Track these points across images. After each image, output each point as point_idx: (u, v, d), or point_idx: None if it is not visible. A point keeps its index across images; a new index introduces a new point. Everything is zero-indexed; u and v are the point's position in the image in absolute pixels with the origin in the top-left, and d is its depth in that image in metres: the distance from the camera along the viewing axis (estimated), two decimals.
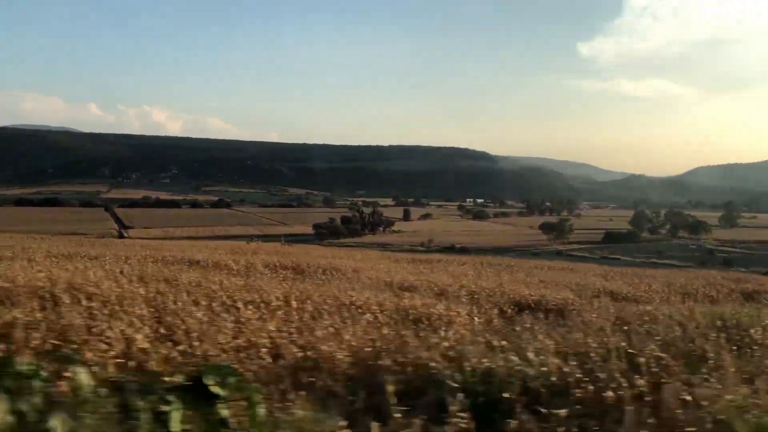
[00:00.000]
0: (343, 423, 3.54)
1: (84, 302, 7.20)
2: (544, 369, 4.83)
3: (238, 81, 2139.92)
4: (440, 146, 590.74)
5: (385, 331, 6.74)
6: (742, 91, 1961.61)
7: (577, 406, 4.17)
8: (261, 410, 3.31)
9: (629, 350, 5.52)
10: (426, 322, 8.54)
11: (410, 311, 9.37)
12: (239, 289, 10.07)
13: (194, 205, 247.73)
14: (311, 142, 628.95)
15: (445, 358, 5.30)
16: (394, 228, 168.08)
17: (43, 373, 3.28)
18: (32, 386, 3.12)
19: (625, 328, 7.36)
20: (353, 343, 5.82)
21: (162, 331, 6.02)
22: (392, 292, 13.38)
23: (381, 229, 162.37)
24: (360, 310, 8.90)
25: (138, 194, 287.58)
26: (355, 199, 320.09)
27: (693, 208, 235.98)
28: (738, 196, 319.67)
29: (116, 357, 4.74)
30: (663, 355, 5.27)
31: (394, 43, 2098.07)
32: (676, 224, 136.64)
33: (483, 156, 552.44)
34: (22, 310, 6.34)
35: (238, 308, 7.61)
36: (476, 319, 9.13)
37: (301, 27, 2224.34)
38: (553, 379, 4.70)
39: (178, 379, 3.38)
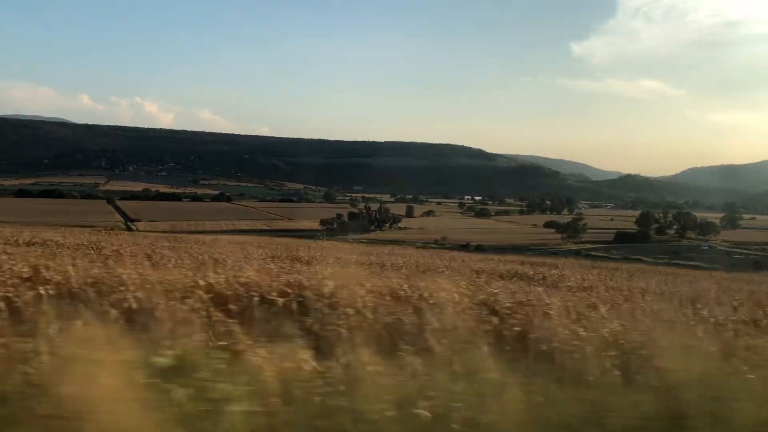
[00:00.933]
0: None
1: None
2: None
3: (230, 74, 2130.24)
4: (436, 143, 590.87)
5: None
6: (735, 93, 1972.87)
7: None
8: None
9: None
10: None
11: None
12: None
13: (195, 198, 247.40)
14: (306, 137, 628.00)
15: None
16: (400, 225, 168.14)
17: None
18: None
19: None
20: None
21: None
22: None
23: (387, 225, 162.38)
24: None
25: (136, 186, 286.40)
26: (353, 195, 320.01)
27: (690, 209, 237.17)
28: (733, 197, 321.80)
29: None
30: None
31: (386, 39, 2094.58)
32: (685, 225, 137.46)
33: (479, 153, 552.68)
34: None
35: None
36: None
37: (293, 21, 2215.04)
38: None
39: None
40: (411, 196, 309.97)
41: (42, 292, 6.80)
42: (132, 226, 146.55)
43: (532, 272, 27.33)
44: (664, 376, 4.86)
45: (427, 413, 3.83)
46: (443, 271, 21.65)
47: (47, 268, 8.11)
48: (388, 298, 7.91)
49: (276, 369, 4.08)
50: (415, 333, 6.29)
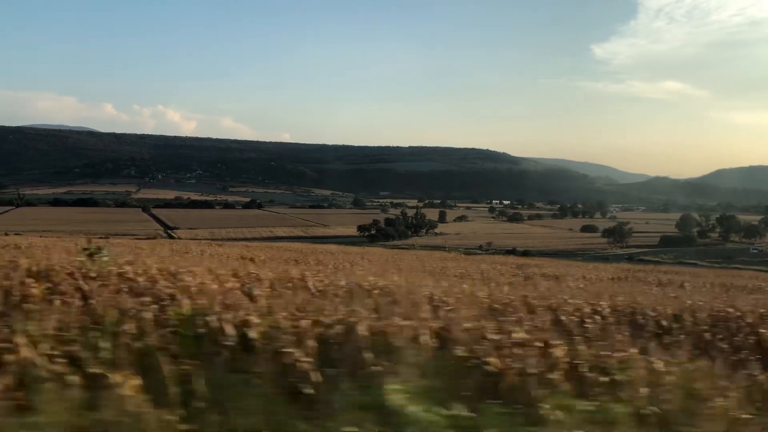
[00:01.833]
0: None
1: None
2: None
3: (251, 82, 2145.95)
4: (459, 147, 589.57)
5: None
6: (760, 92, 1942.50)
7: None
8: None
9: None
10: None
11: None
12: None
13: (226, 205, 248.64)
14: (330, 143, 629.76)
15: None
16: (436, 230, 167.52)
17: None
18: None
19: None
20: None
21: None
22: None
23: (423, 231, 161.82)
24: None
25: (166, 194, 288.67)
26: (381, 201, 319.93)
27: (723, 211, 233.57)
28: (765, 198, 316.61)
29: None
30: None
31: (406, 44, 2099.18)
32: (728, 228, 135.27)
33: (504, 157, 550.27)
34: None
35: None
36: None
37: (313, 29, 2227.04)
38: None
39: None
40: (438, 201, 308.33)
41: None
42: (173, 235, 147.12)
43: (651, 278, 26.95)
44: None
45: None
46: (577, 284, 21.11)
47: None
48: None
49: None
50: None
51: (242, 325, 3.85)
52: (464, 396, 3.40)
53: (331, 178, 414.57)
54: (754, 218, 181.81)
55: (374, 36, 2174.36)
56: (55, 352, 3.30)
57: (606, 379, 3.76)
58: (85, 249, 6.20)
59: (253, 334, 3.78)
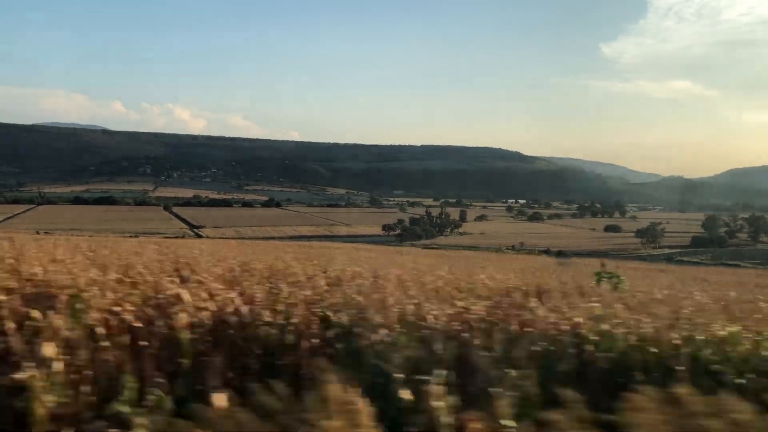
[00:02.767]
0: None
1: None
2: None
3: (260, 80, 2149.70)
4: (472, 146, 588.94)
5: None
6: None
7: None
8: None
9: None
10: None
11: None
12: None
13: (245, 204, 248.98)
14: (341, 142, 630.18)
15: None
16: (460, 230, 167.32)
17: None
18: None
19: None
20: None
21: None
22: None
23: (448, 230, 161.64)
24: None
25: (184, 193, 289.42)
26: (397, 199, 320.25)
27: (741, 211, 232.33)
28: None
29: None
30: None
31: (416, 43, 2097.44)
32: (758, 228, 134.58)
33: (516, 156, 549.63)
34: None
35: None
36: None
37: (321, 26, 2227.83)
38: None
39: None
40: (454, 200, 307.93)
41: None
42: (200, 234, 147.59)
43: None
44: None
45: None
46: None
47: None
48: None
49: None
50: None
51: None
52: None
53: (345, 177, 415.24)
54: None
55: (384, 35, 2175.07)
56: None
57: None
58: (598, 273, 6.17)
59: None
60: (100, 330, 3.12)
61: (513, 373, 2.94)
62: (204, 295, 3.79)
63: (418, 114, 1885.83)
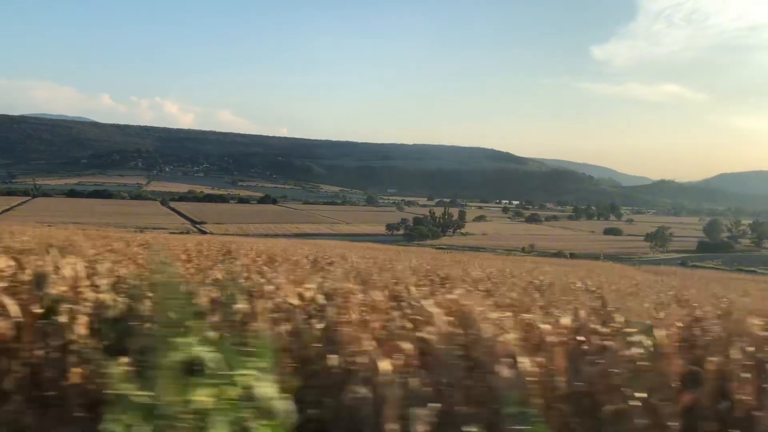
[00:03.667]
0: None
1: None
2: None
3: (250, 75, 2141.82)
4: (465, 146, 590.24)
5: None
6: (758, 97, 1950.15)
7: None
8: None
9: None
10: None
11: None
12: None
13: (241, 200, 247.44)
14: (333, 139, 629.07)
15: None
16: (462, 230, 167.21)
17: None
18: None
19: None
20: None
21: None
22: None
23: (451, 231, 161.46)
24: None
25: (178, 187, 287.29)
26: (392, 198, 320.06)
27: (734, 215, 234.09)
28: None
29: None
30: None
31: (405, 42, 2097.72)
32: (762, 234, 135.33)
33: (508, 157, 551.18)
34: None
35: None
36: None
37: (312, 23, 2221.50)
38: None
39: None
40: (448, 200, 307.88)
41: None
42: (204, 230, 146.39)
43: None
44: None
45: None
46: None
47: None
48: None
49: None
50: None
51: None
52: None
53: (339, 175, 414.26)
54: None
55: (376, 34, 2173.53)
56: None
57: None
58: None
59: None
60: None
61: None
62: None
63: (410, 113, 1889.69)
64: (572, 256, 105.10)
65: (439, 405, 2.55)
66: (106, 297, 3.54)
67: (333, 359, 2.96)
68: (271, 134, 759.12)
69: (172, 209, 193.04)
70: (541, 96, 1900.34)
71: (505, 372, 2.73)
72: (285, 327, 3.26)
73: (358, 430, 2.66)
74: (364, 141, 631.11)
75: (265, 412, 1.76)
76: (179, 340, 1.90)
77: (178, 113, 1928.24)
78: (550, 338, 3.09)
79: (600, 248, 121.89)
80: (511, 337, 2.96)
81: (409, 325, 3.23)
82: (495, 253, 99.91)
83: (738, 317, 4.22)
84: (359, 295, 3.72)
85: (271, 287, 4.01)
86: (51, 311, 3.26)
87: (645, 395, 2.74)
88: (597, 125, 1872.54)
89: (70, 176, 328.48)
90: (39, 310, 3.26)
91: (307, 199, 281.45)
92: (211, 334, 2.02)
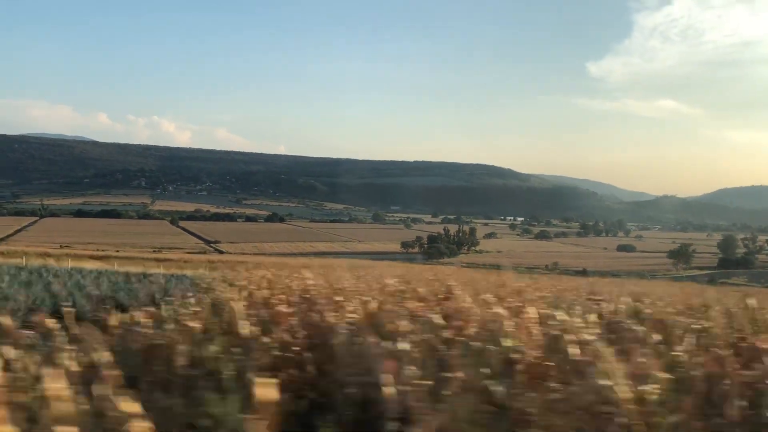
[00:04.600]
0: None
1: None
2: None
3: (247, 93, 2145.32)
4: (466, 163, 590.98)
5: None
6: (754, 112, 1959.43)
7: None
8: None
9: None
10: None
11: None
12: None
13: (248, 219, 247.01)
14: (334, 156, 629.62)
15: None
16: (476, 248, 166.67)
17: None
18: None
19: None
20: None
21: None
22: None
23: (465, 248, 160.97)
24: None
25: (183, 206, 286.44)
26: (398, 215, 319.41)
27: (739, 231, 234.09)
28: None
29: None
30: None
31: (403, 58, 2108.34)
32: None
33: (510, 173, 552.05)
34: None
35: None
36: None
37: (313, 40, 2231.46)
38: None
39: None
40: (453, 216, 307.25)
41: None
42: (220, 249, 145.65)
43: None
44: None
45: None
46: None
47: None
48: None
49: None
50: None
51: None
52: None
53: (342, 192, 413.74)
54: None
55: (374, 52, 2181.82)
56: None
57: None
58: None
59: None
60: None
61: None
62: None
63: (410, 131, 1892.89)
64: (601, 274, 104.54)
65: None
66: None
67: None
68: (269, 152, 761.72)
69: (183, 228, 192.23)
70: (538, 113, 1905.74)
71: None
72: None
73: None
74: (364, 158, 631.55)
75: None
76: None
77: (175, 131, 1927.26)
78: None
79: (620, 266, 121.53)
80: None
81: None
82: (519, 271, 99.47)
83: None
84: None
85: None
86: None
87: None
88: (595, 141, 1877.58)
89: (75, 196, 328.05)
90: None
91: (313, 217, 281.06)
92: None
